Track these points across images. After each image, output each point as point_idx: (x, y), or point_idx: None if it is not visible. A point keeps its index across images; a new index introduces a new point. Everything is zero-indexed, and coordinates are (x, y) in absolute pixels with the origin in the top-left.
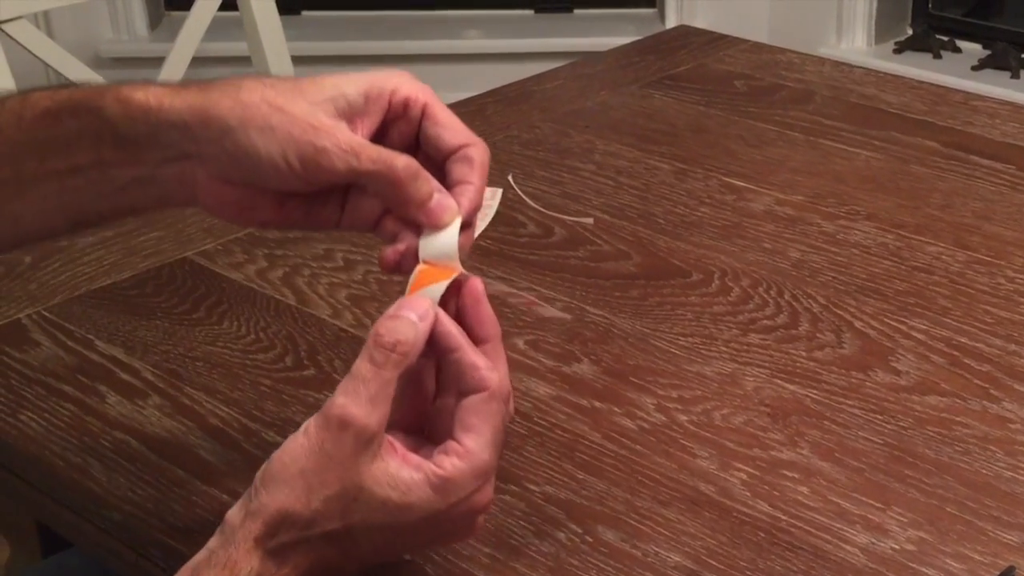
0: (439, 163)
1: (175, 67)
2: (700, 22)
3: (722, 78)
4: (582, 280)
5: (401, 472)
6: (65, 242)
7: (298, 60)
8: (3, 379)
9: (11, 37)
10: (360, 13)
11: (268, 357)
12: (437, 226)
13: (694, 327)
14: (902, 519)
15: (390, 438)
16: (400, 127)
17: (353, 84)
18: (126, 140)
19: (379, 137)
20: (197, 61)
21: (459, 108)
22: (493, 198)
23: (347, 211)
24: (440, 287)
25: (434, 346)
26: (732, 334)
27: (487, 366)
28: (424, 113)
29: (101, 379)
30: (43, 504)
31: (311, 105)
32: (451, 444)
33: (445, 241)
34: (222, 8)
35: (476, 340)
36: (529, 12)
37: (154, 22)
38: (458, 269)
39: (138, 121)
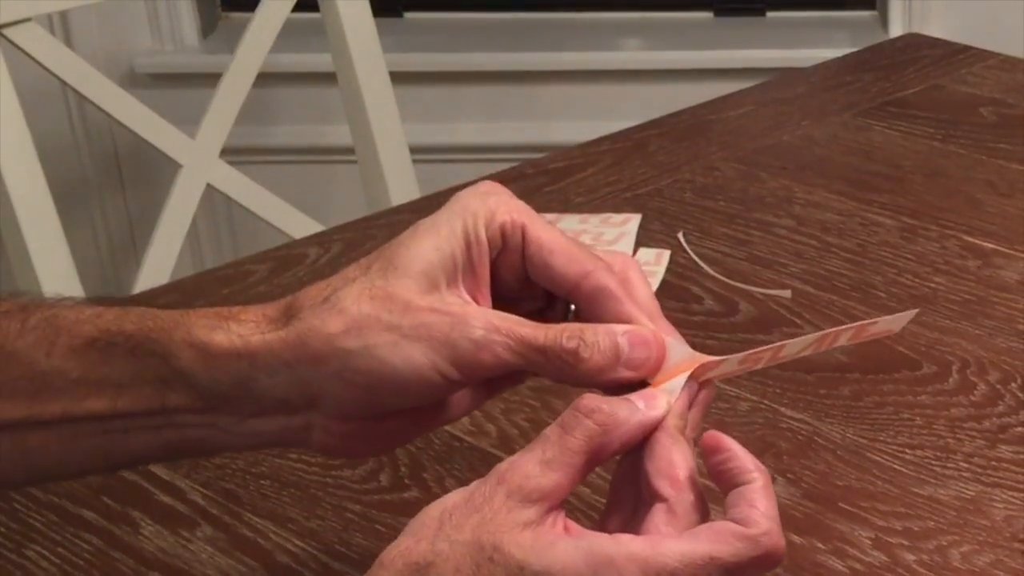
0: (561, 294)
1: (234, 87)
2: (935, 29)
3: (964, 104)
4: (775, 373)
5: (557, 543)
6: None
7: (399, 78)
8: (4, 502)
9: (16, 45)
10: (482, 15)
11: (356, 474)
12: (650, 373)
13: (925, 436)
14: None
15: (570, 523)
16: (506, 259)
17: (450, 237)
18: (206, 393)
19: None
20: (264, 79)
21: (613, 143)
22: (658, 263)
23: None
24: (678, 381)
25: (719, 477)
26: (976, 446)
27: (767, 513)
28: (524, 237)
29: (133, 503)
30: None
31: (425, 287)
32: (646, 527)
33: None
34: (297, 8)
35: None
36: (707, 15)
37: (207, 26)
38: (697, 359)
39: (221, 371)
